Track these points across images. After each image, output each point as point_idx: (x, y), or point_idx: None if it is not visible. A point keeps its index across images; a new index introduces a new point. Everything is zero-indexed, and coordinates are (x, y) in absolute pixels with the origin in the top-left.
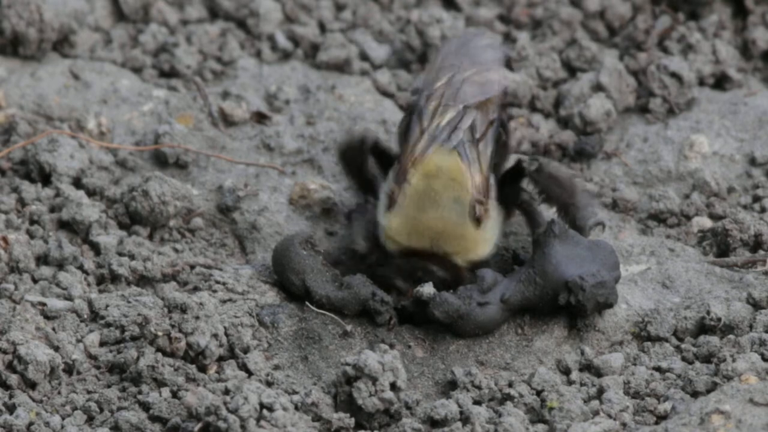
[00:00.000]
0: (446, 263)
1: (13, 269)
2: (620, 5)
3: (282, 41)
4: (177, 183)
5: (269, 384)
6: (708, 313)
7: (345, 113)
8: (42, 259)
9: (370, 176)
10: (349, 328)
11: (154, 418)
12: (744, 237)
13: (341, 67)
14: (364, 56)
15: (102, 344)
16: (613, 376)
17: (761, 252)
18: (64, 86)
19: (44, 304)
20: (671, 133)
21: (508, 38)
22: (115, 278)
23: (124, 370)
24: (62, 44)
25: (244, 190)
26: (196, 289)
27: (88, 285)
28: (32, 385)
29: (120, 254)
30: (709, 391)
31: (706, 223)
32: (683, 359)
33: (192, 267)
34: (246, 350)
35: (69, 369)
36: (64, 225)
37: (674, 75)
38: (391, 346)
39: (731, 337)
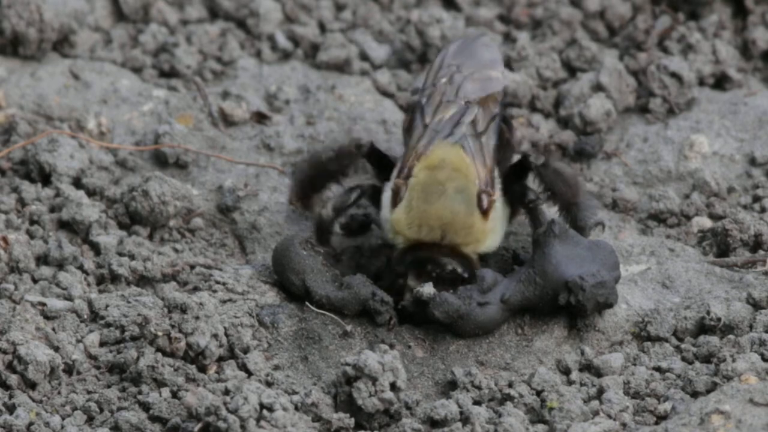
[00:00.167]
0: (457, 254)
1: (13, 269)
2: (620, 5)
3: (282, 41)
4: (177, 183)
5: (269, 384)
6: (708, 313)
7: (345, 113)
8: (42, 259)
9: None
10: (349, 328)
11: (154, 419)
12: (744, 237)
13: (341, 67)
14: (364, 56)
15: (102, 344)
16: (613, 376)
17: (761, 252)
18: (64, 86)
19: (44, 304)
20: (671, 133)
21: (508, 38)
22: (115, 278)
23: (124, 370)
24: (62, 44)
25: (244, 190)
26: (196, 289)
27: (88, 285)
28: (32, 385)
29: (120, 254)
30: (709, 391)
31: (706, 223)
32: (683, 359)
33: (192, 267)
34: (246, 350)
35: (69, 369)
36: (64, 225)
37: (674, 75)
38: (391, 346)
39: (731, 337)
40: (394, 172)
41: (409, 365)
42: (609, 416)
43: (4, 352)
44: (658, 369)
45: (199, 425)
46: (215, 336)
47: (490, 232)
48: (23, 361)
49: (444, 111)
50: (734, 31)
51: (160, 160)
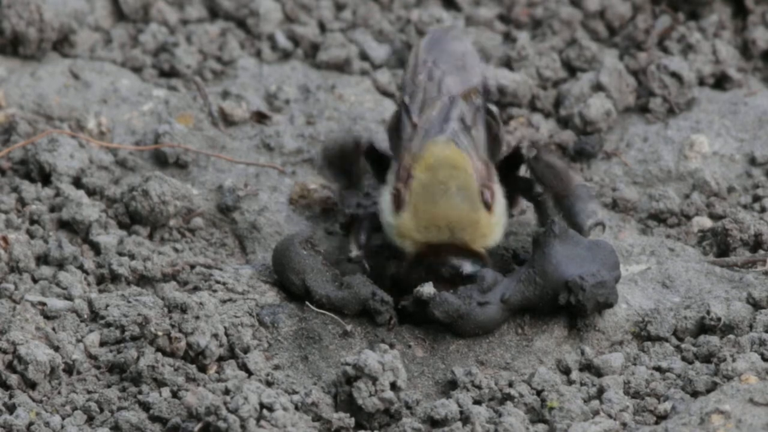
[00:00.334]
0: (468, 252)
1: (13, 269)
2: (620, 5)
3: (282, 41)
4: (177, 183)
5: (269, 384)
6: (708, 313)
7: (345, 113)
8: (42, 259)
9: (355, 179)
10: (349, 328)
11: (154, 418)
12: (744, 237)
13: (341, 67)
14: (364, 56)
15: (102, 344)
16: (613, 376)
17: (761, 252)
18: (64, 86)
19: (44, 304)
20: (671, 133)
21: (508, 38)
22: (115, 278)
23: (124, 370)
24: (62, 44)
25: (244, 190)
26: (196, 289)
27: (88, 285)
28: (32, 385)
29: (120, 254)
30: (709, 391)
31: (706, 223)
32: (683, 359)
33: (192, 267)
34: (246, 350)
35: (69, 369)
36: (64, 225)
37: (674, 75)
38: (391, 346)
39: (731, 337)
40: (391, 175)
41: (409, 365)
42: (609, 416)
43: (4, 352)
44: (658, 369)
45: (199, 425)
46: (215, 336)
47: (496, 225)
48: (23, 361)
49: (429, 108)
50: (734, 31)
51: (160, 160)
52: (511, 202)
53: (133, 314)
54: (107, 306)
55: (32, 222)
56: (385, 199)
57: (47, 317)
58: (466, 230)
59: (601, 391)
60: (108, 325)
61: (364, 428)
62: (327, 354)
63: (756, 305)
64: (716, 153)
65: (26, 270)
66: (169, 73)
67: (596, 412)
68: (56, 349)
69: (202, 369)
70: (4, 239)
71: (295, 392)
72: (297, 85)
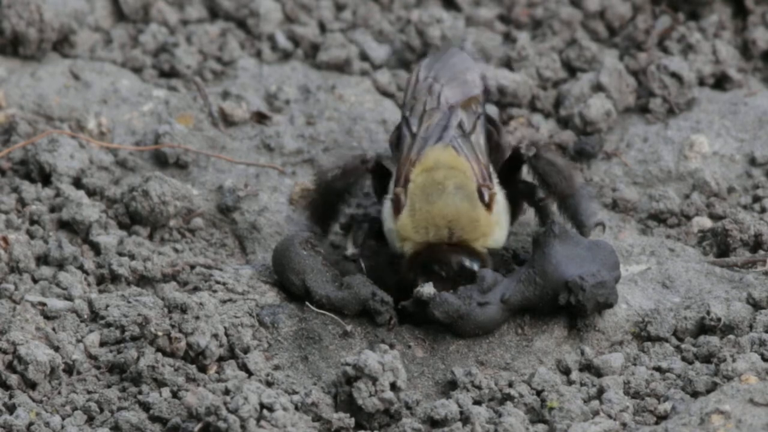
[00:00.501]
0: (467, 249)
1: (13, 269)
2: (620, 5)
3: (282, 41)
4: (177, 183)
5: (269, 384)
6: (708, 313)
7: (345, 113)
8: (42, 259)
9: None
10: (349, 328)
11: (154, 419)
12: (744, 237)
13: (341, 67)
14: (364, 56)
15: (102, 344)
16: (613, 376)
17: (761, 252)
18: (64, 86)
19: (44, 304)
20: (671, 133)
21: (508, 38)
22: (115, 278)
23: (124, 370)
24: (62, 44)
25: (244, 190)
26: (196, 289)
27: (88, 285)
28: (32, 385)
29: (120, 254)
30: (709, 391)
31: (706, 223)
32: (683, 359)
33: (192, 267)
34: (246, 350)
35: (69, 369)
36: (64, 225)
37: (674, 75)
38: (391, 346)
39: (731, 337)
40: (391, 184)
41: (409, 365)
42: (609, 416)
43: (4, 352)
44: (658, 369)
45: (199, 425)
46: (215, 336)
47: (496, 225)
48: (23, 361)
49: (429, 119)
50: (734, 31)
51: (160, 160)
52: (515, 207)
53: (133, 314)
54: (107, 306)
55: (32, 222)
56: (386, 207)
57: (47, 317)
58: (465, 229)
59: (601, 392)
60: (108, 325)
61: (364, 428)
62: (327, 354)
63: (756, 305)
64: (716, 153)
65: (26, 270)
66: (169, 74)
67: (596, 413)
68: (56, 349)
69: (202, 369)
70: (4, 239)
71: (295, 392)
72: (297, 85)
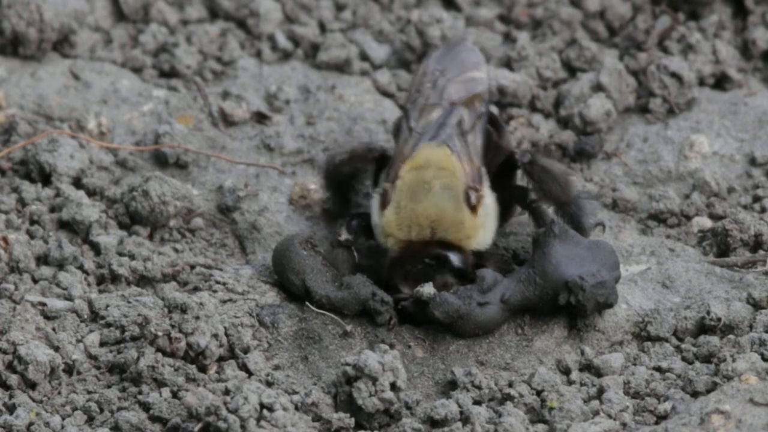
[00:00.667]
0: (450, 246)
1: (13, 269)
2: (620, 5)
3: (282, 41)
4: (177, 183)
5: (269, 384)
6: (708, 313)
7: (345, 113)
8: (42, 259)
9: (350, 193)
10: (349, 328)
11: (154, 419)
12: (744, 237)
13: (341, 67)
14: (364, 56)
15: (102, 344)
16: (613, 376)
17: (761, 252)
18: (64, 86)
19: (44, 304)
20: (671, 133)
21: (508, 38)
22: (115, 278)
23: (124, 370)
24: (62, 44)
25: (244, 190)
26: (196, 289)
27: (88, 285)
28: (32, 385)
29: (120, 254)
30: (709, 391)
31: (706, 223)
32: (683, 359)
33: (192, 267)
34: (246, 350)
35: (69, 369)
36: (64, 225)
37: (674, 75)
38: (391, 346)
39: (731, 337)
40: (381, 178)
41: (409, 365)
42: (609, 416)
43: (4, 352)
44: (658, 369)
45: (199, 425)
46: (215, 336)
47: (481, 228)
48: (23, 361)
49: (429, 114)
50: (734, 31)
51: (160, 160)
52: (506, 210)
53: (133, 314)
54: (107, 306)
55: (32, 222)
56: (374, 201)
57: (47, 317)
58: (448, 230)
59: (601, 392)
60: (108, 325)
61: (364, 428)
62: (327, 354)
63: (756, 305)
64: (716, 153)
65: (26, 270)
66: (169, 74)
67: (596, 413)
68: (56, 349)
69: (202, 369)
70: (4, 239)
71: (295, 392)
72: (297, 85)
